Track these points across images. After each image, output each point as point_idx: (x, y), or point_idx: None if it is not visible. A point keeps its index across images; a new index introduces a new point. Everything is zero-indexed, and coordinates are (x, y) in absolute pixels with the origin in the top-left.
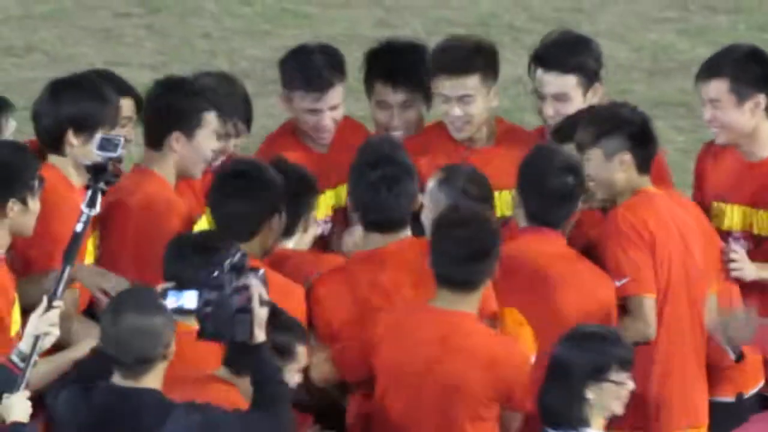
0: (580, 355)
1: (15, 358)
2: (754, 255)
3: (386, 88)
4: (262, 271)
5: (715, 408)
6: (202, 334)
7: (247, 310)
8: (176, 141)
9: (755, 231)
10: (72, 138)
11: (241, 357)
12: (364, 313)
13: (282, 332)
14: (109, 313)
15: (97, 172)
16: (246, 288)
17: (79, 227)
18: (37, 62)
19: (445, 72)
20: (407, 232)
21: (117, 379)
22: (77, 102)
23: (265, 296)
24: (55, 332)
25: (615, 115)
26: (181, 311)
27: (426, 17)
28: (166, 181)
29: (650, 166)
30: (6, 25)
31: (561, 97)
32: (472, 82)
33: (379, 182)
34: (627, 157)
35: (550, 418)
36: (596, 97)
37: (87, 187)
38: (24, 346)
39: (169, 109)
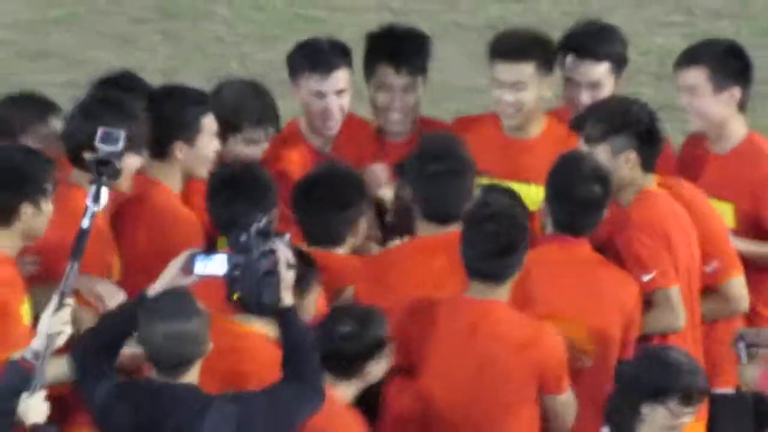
0: (647, 372)
1: (29, 357)
2: None
3: (389, 70)
4: (287, 235)
5: (715, 400)
6: (230, 298)
7: (274, 273)
8: (179, 150)
9: None
10: None
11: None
12: (402, 300)
13: (372, 326)
14: (145, 319)
15: (100, 167)
16: (272, 252)
17: (85, 223)
18: (52, 67)
19: (502, 57)
20: (459, 226)
21: (155, 375)
22: (107, 122)
23: (292, 260)
24: (68, 330)
25: (625, 112)
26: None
27: (434, 21)
28: (171, 192)
29: (655, 164)
30: (20, 29)
31: (595, 86)
32: (527, 70)
33: (440, 175)
34: (633, 155)
35: (608, 421)
36: (619, 84)
37: (91, 182)
38: (37, 345)
39: (168, 120)
